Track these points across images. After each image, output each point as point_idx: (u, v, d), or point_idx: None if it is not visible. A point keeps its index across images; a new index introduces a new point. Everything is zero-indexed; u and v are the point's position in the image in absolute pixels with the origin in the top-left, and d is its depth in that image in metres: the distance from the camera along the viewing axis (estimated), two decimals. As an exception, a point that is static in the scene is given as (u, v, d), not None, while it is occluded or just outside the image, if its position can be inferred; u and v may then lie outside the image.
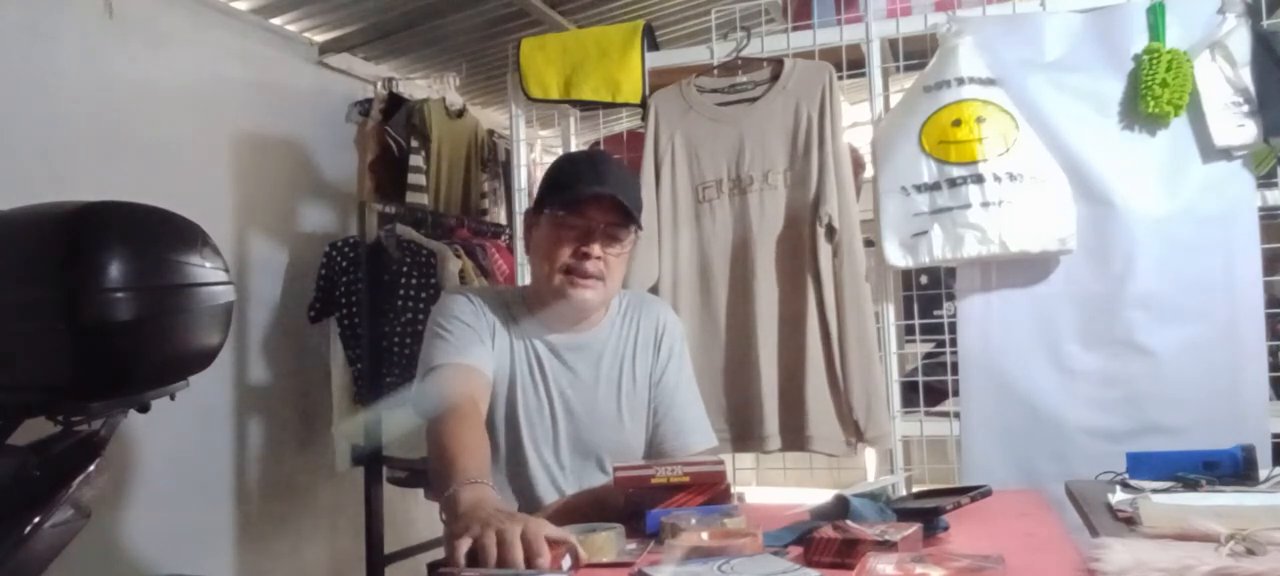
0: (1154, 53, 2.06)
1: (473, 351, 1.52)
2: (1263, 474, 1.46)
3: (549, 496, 1.56)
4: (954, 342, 2.24)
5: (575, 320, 1.58)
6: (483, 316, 1.57)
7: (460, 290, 1.66)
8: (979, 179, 2.09)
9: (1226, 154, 2.07)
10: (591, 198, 1.50)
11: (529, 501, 1.56)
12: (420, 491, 3.09)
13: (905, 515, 1.25)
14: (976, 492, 1.36)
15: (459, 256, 2.93)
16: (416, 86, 3.30)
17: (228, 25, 2.92)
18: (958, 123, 2.12)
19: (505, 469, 1.57)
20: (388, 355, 2.90)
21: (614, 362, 1.61)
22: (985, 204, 2.09)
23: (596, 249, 1.50)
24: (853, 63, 2.37)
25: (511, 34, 3.07)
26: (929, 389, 2.38)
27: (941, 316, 2.42)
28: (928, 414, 2.35)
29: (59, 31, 2.39)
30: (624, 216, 1.52)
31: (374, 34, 3.23)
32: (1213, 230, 2.07)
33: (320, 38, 3.25)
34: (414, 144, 3.03)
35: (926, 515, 1.24)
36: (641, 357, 1.63)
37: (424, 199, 3.04)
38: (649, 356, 1.64)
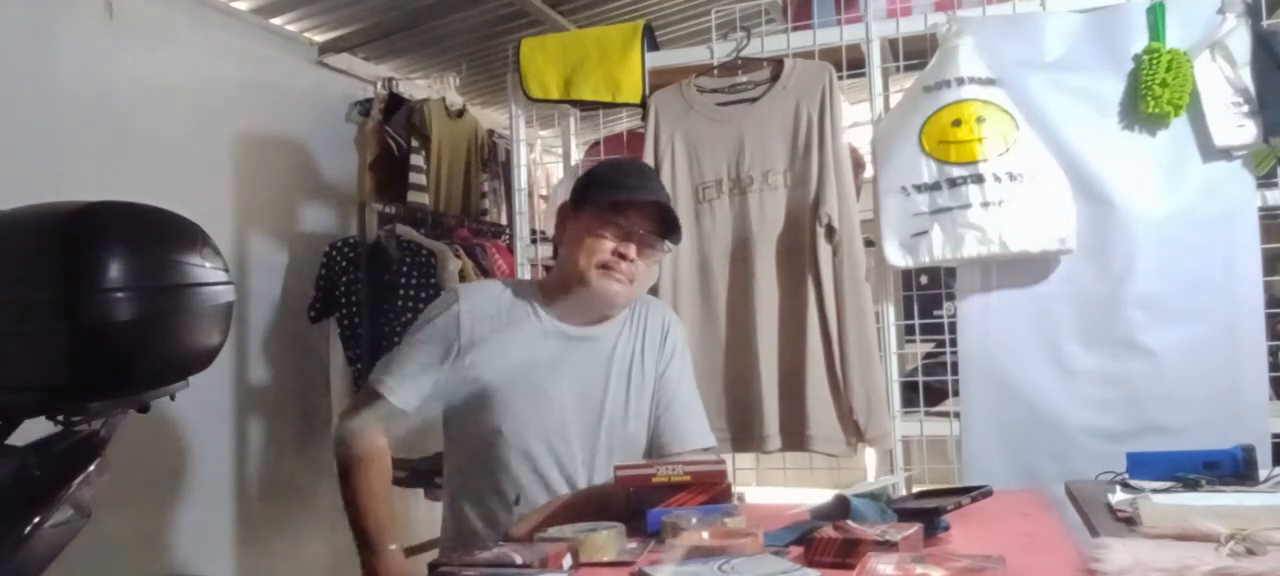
0: (1154, 53, 2.06)
1: (412, 384, 1.59)
2: (1263, 474, 1.47)
3: (559, 485, 1.58)
4: (954, 342, 2.24)
5: (595, 314, 1.61)
6: (464, 324, 1.59)
7: (457, 291, 1.69)
8: (979, 179, 2.09)
9: (1226, 154, 2.07)
10: (642, 203, 1.56)
11: (540, 489, 1.57)
12: (420, 491, 3.09)
13: (906, 515, 1.25)
14: (977, 493, 1.36)
15: (459, 256, 2.93)
16: (416, 86, 3.30)
17: (228, 25, 2.92)
18: (958, 123, 2.12)
19: (516, 456, 1.57)
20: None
21: (624, 356, 1.64)
22: (985, 204, 2.08)
23: (633, 251, 1.55)
24: (853, 63, 2.37)
25: (511, 34, 3.07)
26: (929, 389, 2.38)
27: (941, 316, 2.42)
28: (928, 414, 2.35)
29: (59, 31, 2.39)
30: (665, 228, 1.58)
31: (374, 34, 3.22)
32: (1213, 230, 2.07)
33: (320, 38, 3.25)
34: (414, 144, 3.03)
35: (927, 515, 1.24)
36: (650, 353, 1.66)
37: (424, 199, 3.04)
38: (656, 351, 1.67)
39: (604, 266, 1.55)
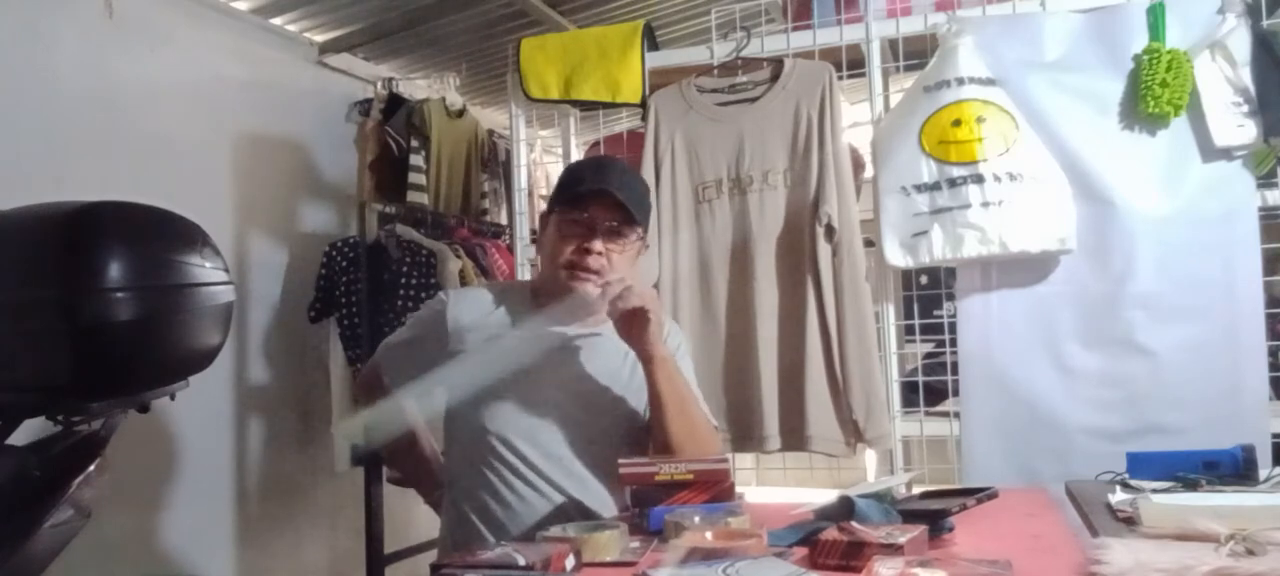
0: (1154, 53, 2.06)
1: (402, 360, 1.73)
2: (1263, 474, 1.47)
3: (546, 487, 1.57)
4: (954, 342, 2.24)
5: (580, 315, 1.60)
6: (450, 325, 1.63)
7: (446, 294, 1.70)
8: (979, 179, 2.09)
9: (1226, 154, 2.07)
10: (592, 194, 1.57)
11: (529, 489, 1.56)
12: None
13: (911, 516, 1.24)
14: (983, 494, 1.35)
15: (459, 256, 2.93)
16: (416, 86, 3.29)
17: (228, 25, 2.92)
18: (958, 123, 2.12)
19: (505, 455, 1.57)
20: (387, 355, 2.90)
21: (616, 355, 1.63)
22: (985, 204, 2.09)
23: (597, 244, 1.56)
24: (853, 63, 2.37)
25: (511, 34, 3.06)
26: (929, 389, 2.38)
27: (941, 316, 2.42)
28: (928, 414, 2.35)
29: (59, 31, 2.38)
30: (625, 214, 1.58)
31: (374, 34, 3.22)
32: (1213, 230, 2.07)
33: (320, 38, 3.24)
34: (414, 144, 3.03)
35: (932, 517, 1.23)
36: None
37: (424, 199, 3.04)
38: None
39: (570, 265, 1.57)
